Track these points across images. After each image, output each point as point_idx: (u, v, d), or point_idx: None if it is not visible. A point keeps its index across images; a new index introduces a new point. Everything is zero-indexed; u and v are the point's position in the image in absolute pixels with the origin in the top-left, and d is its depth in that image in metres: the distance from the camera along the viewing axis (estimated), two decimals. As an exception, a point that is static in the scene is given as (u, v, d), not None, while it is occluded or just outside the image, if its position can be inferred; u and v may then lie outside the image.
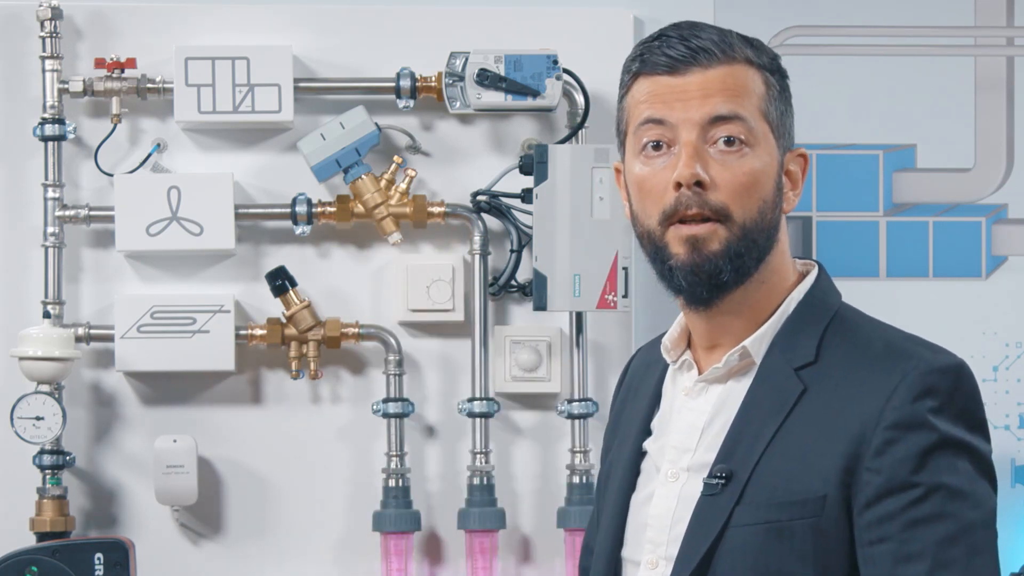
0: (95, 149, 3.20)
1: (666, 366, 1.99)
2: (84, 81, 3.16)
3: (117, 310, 3.16)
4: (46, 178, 3.17)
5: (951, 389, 1.79)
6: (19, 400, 3.09)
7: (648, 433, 1.98)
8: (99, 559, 3.03)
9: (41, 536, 3.11)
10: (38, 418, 3.09)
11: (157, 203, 3.15)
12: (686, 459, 1.89)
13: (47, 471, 3.14)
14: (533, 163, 3.12)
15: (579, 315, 3.20)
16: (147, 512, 3.20)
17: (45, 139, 3.17)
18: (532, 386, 3.24)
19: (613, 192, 3.09)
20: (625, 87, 1.92)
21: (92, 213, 3.18)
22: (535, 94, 3.15)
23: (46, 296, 3.16)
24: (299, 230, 3.20)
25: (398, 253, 3.24)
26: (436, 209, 3.20)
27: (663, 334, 2.00)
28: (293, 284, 3.17)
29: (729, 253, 1.85)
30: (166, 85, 3.18)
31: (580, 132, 3.20)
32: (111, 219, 3.17)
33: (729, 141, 1.85)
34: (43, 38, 3.16)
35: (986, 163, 3.37)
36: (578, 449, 3.20)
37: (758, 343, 1.88)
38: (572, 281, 3.12)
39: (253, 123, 3.19)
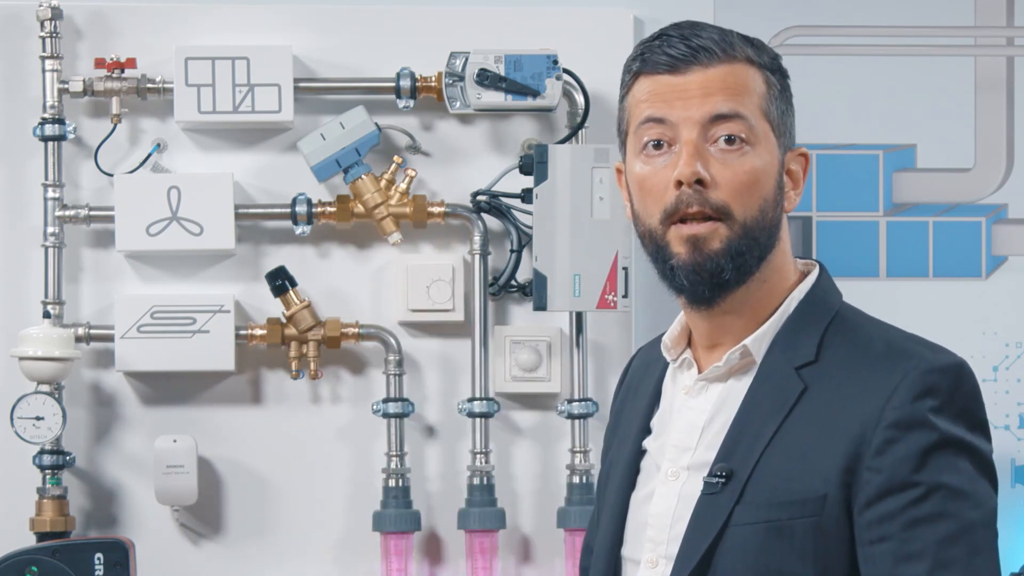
0: (95, 149, 3.20)
1: (666, 365, 2.00)
2: (84, 81, 3.16)
3: (117, 310, 3.16)
4: (46, 178, 3.17)
5: (952, 388, 1.79)
6: (19, 400, 3.09)
7: (648, 432, 1.98)
8: (99, 559, 3.03)
9: (41, 536, 3.11)
10: (38, 418, 3.09)
11: (157, 203, 3.15)
12: (686, 458, 1.89)
13: (47, 471, 3.14)
14: (533, 163, 3.12)
15: (579, 315, 3.20)
16: (147, 512, 3.20)
17: (45, 139, 3.17)
18: (532, 386, 3.24)
19: (613, 192, 3.09)
20: (626, 87, 1.93)
21: (92, 213, 3.18)
22: (535, 94, 3.15)
23: (46, 296, 3.16)
24: (299, 230, 3.20)
25: (398, 253, 3.24)
26: (436, 209, 3.20)
27: (663, 333, 2.00)
28: (293, 284, 3.17)
29: (730, 252, 1.85)
30: (166, 85, 3.18)
31: (580, 132, 3.20)
32: (111, 219, 3.17)
33: (730, 140, 1.85)
34: (43, 38, 3.16)
35: (986, 163, 3.37)
36: (578, 449, 3.20)
37: (759, 342, 1.88)
38: (572, 281, 3.12)
39: (253, 123, 3.19)
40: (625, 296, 3.13)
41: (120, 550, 3.04)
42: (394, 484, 3.18)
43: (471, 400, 3.20)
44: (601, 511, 2.04)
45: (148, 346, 3.15)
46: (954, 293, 3.34)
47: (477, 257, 3.21)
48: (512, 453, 3.26)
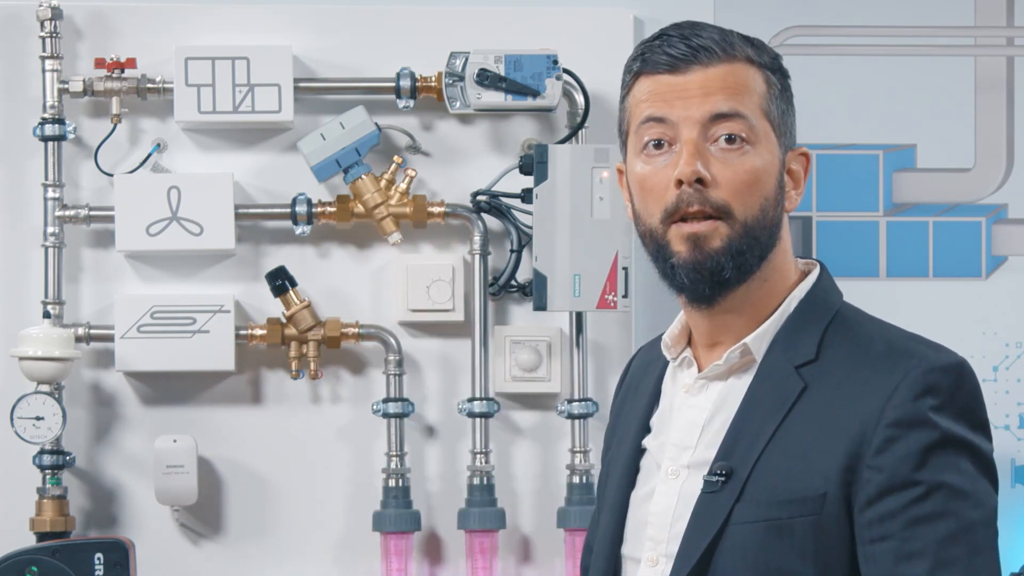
0: (95, 149, 3.20)
1: (666, 364, 2.00)
2: (84, 81, 3.16)
3: (117, 310, 3.16)
4: (46, 178, 3.17)
5: (953, 387, 1.79)
6: (19, 400, 3.09)
7: (647, 430, 1.98)
8: (99, 559, 3.03)
9: (41, 536, 3.11)
10: (38, 418, 3.08)
11: (157, 203, 3.15)
12: (686, 456, 1.89)
13: (47, 471, 3.14)
14: (533, 163, 3.12)
15: (579, 315, 3.20)
16: (147, 512, 3.20)
17: (45, 139, 3.17)
18: (532, 386, 3.24)
19: (613, 192, 3.09)
20: (626, 87, 1.93)
21: (92, 213, 3.18)
22: (535, 94, 3.15)
23: (46, 296, 3.16)
24: (299, 230, 3.20)
25: (398, 253, 3.24)
26: (436, 209, 3.20)
27: (664, 333, 2.00)
28: (293, 284, 3.18)
29: (731, 250, 1.85)
30: (166, 85, 3.18)
31: (580, 132, 3.20)
32: (111, 219, 3.17)
33: (730, 139, 1.86)
34: (43, 38, 3.16)
35: (986, 163, 3.37)
36: (578, 449, 3.20)
37: (759, 340, 1.88)
38: (572, 281, 3.12)
39: (253, 123, 3.19)
40: (625, 296, 3.13)
41: (120, 550, 3.04)
42: (394, 484, 3.18)
43: (471, 400, 3.20)
44: (601, 510, 2.04)
45: (148, 346, 3.15)
46: (954, 293, 3.34)
47: (477, 257, 3.21)
48: (512, 453, 3.26)
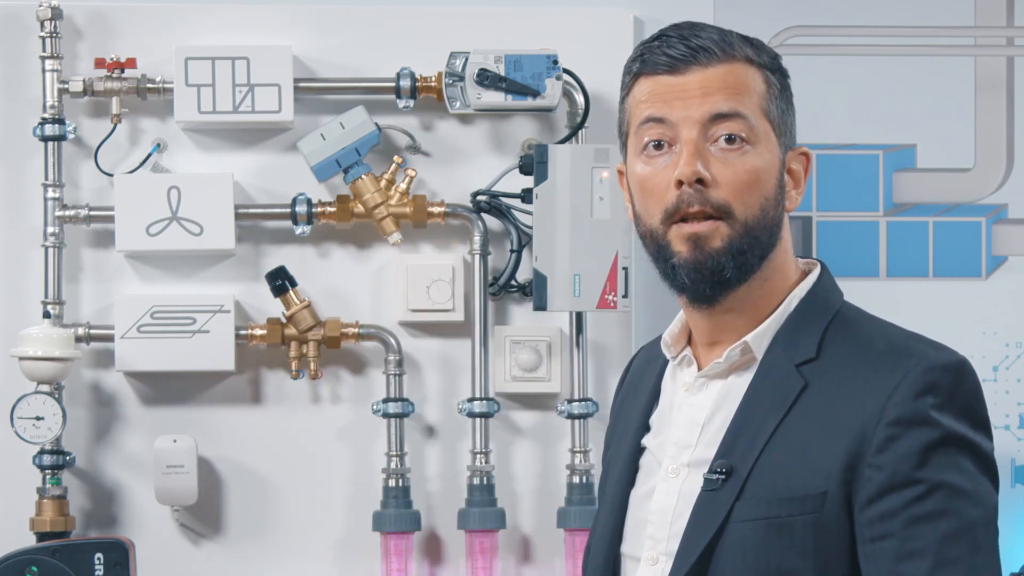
0: (95, 149, 3.20)
1: (666, 363, 2.00)
2: (84, 81, 3.16)
3: (117, 310, 3.16)
4: (46, 178, 3.17)
5: (953, 386, 1.80)
6: (19, 400, 3.09)
7: (647, 429, 1.98)
8: (99, 559, 3.03)
9: (41, 536, 3.10)
10: (38, 418, 3.09)
11: (157, 203, 3.15)
12: (686, 455, 1.90)
13: (47, 471, 3.13)
14: (533, 163, 3.12)
15: (579, 315, 3.20)
16: (147, 512, 3.20)
17: (45, 139, 3.17)
18: (532, 386, 3.24)
19: (613, 192, 3.09)
20: (626, 88, 1.93)
21: (92, 213, 3.18)
22: (535, 94, 3.15)
23: (46, 296, 3.16)
24: (299, 230, 3.20)
25: (398, 253, 3.24)
26: (436, 209, 3.20)
27: (664, 333, 2.00)
28: (293, 284, 3.18)
29: (731, 250, 1.85)
30: (166, 85, 3.18)
31: (580, 132, 3.20)
32: (111, 219, 3.17)
33: (730, 139, 1.86)
34: (43, 38, 3.16)
35: (986, 163, 3.37)
36: (578, 449, 3.20)
37: (759, 339, 1.89)
38: (572, 281, 3.12)
39: (253, 123, 3.19)
40: (625, 296, 3.13)
41: (120, 550, 3.04)
42: (394, 484, 3.18)
43: (471, 400, 3.20)
44: (600, 508, 2.04)
45: (148, 346, 3.15)
46: (954, 293, 3.34)
47: (477, 257, 3.21)
48: (512, 453, 3.26)
